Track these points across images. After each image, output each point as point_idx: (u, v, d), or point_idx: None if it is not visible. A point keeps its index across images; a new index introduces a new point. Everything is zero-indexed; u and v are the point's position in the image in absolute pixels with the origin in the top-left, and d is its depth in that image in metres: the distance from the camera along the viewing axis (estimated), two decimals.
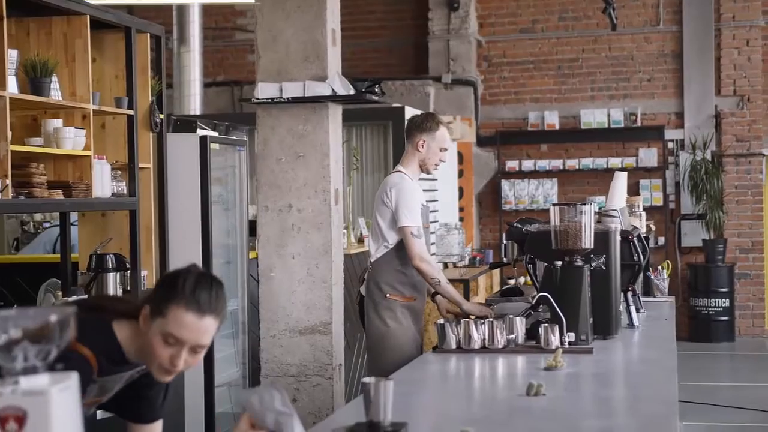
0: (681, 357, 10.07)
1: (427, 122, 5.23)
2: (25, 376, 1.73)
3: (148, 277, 5.77)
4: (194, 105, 10.65)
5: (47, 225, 8.05)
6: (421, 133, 5.19)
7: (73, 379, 1.77)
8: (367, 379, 2.71)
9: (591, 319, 4.26)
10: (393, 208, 5.06)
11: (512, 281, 10.44)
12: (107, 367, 2.61)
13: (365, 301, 5.24)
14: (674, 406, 3.00)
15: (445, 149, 5.25)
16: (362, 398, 2.70)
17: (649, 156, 12.35)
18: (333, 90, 5.34)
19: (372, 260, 5.24)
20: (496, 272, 10.83)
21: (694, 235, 12.28)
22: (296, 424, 2.34)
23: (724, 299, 11.93)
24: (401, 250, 5.11)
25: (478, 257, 10.57)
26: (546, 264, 4.39)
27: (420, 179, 8.14)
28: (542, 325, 4.12)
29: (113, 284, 5.34)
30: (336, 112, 5.55)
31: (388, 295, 5.12)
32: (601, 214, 5.10)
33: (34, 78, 4.72)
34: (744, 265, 12.28)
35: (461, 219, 11.86)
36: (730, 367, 11.10)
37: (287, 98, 5.34)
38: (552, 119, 12.58)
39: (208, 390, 6.16)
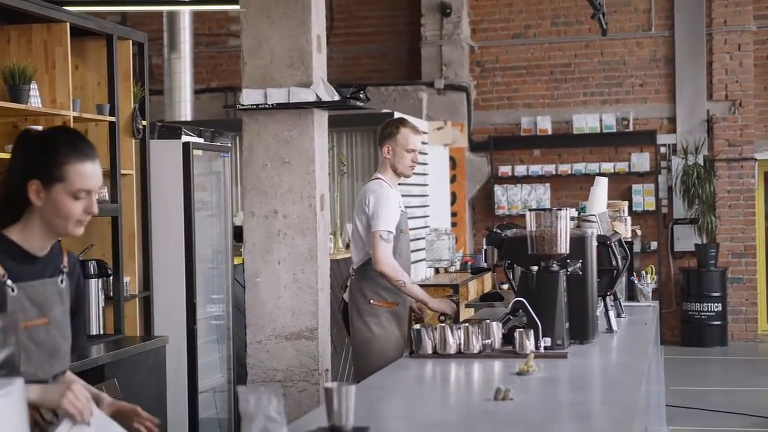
0: (673, 361, 10.17)
1: (387, 128, 5.33)
2: None
3: (131, 283, 5.78)
4: (185, 111, 10.67)
5: None
6: (384, 139, 5.30)
7: (17, 385, 1.79)
8: (328, 385, 2.74)
9: (567, 324, 4.26)
10: (370, 212, 5.12)
11: (505, 286, 10.43)
12: (16, 269, 2.65)
13: (349, 307, 5.28)
14: (636, 410, 3.01)
15: (413, 150, 5.29)
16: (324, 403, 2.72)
17: (641, 161, 12.35)
18: (317, 96, 5.35)
19: (354, 267, 5.29)
20: (488, 277, 10.84)
21: (686, 239, 12.29)
22: None
23: (716, 304, 11.94)
24: None
25: (469, 262, 10.57)
26: (522, 269, 4.40)
27: (409, 184, 8.15)
28: (517, 330, 4.13)
29: (95, 290, 5.35)
30: (321, 118, 5.56)
31: (372, 301, 5.17)
32: (580, 219, 5.12)
33: (12, 85, 4.74)
34: (736, 269, 12.29)
35: (454, 224, 11.88)
36: (722, 372, 11.09)
37: (272, 104, 5.35)
38: (544, 124, 12.60)
39: (191, 395, 6.17)
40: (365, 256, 5.21)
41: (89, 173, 2.66)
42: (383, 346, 5.14)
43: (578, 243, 4.43)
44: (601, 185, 5.49)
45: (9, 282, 2.61)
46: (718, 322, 11.97)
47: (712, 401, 8.94)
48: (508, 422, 2.98)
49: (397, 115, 9.26)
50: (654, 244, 12.27)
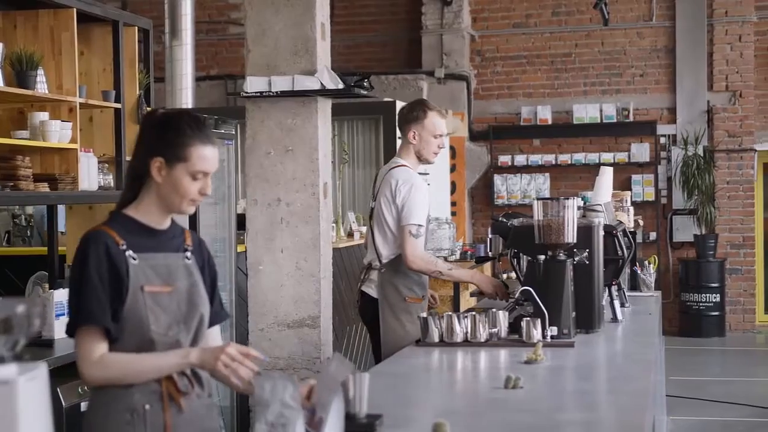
0: (671, 352, 10.19)
1: (413, 111, 5.12)
2: None
3: None
4: (186, 99, 10.59)
5: None
6: (409, 124, 5.11)
7: (41, 369, 1.79)
8: None
9: (574, 313, 4.27)
10: (400, 204, 4.95)
11: (505, 276, 10.44)
12: (136, 241, 2.80)
13: (380, 303, 5.09)
14: (647, 399, 3.02)
15: (440, 135, 5.12)
16: None
17: (641, 151, 12.36)
18: (322, 84, 5.33)
19: (384, 261, 5.07)
20: (488, 267, 10.85)
21: (685, 230, 12.31)
22: (299, 422, 2.34)
23: (714, 294, 11.97)
24: None
25: (469, 251, 10.58)
26: (529, 258, 4.41)
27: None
28: (524, 319, 4.14)
29: None
30: (325, 106, 5.55)
31: (407, 298, 5.02)
32: (586, 209, 5.11)
33: (19, 71, 4.73)
34: (735, 260, 12.31)
35: (453, 213, 11.88)
36: (720, 362, 11.13)
37: (276, 92, 5.34)
38: (545, 114, 12.61)
39: None
40: (397, 250, 5.00)
41: (209, 156, 2.81)
42: (414, 341, 5.08)
43: (585, 232, 4.43)
44: (607, 175, 5.49)
45: (130, 252, 2.76)
46: (717, 313, 12.01)
47: (711, 391, 8.97)
48: (520, 410, 2.99)
49: (399, 104, 9.27)
50: (653, 235, 12.29)
